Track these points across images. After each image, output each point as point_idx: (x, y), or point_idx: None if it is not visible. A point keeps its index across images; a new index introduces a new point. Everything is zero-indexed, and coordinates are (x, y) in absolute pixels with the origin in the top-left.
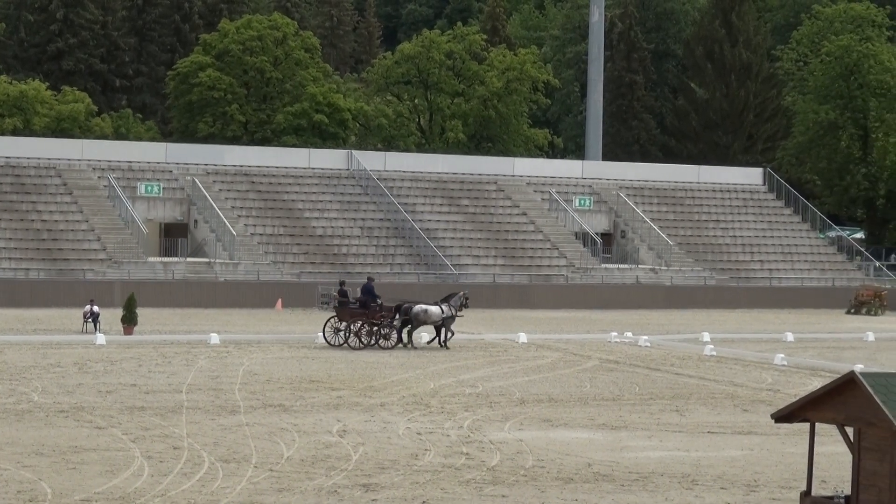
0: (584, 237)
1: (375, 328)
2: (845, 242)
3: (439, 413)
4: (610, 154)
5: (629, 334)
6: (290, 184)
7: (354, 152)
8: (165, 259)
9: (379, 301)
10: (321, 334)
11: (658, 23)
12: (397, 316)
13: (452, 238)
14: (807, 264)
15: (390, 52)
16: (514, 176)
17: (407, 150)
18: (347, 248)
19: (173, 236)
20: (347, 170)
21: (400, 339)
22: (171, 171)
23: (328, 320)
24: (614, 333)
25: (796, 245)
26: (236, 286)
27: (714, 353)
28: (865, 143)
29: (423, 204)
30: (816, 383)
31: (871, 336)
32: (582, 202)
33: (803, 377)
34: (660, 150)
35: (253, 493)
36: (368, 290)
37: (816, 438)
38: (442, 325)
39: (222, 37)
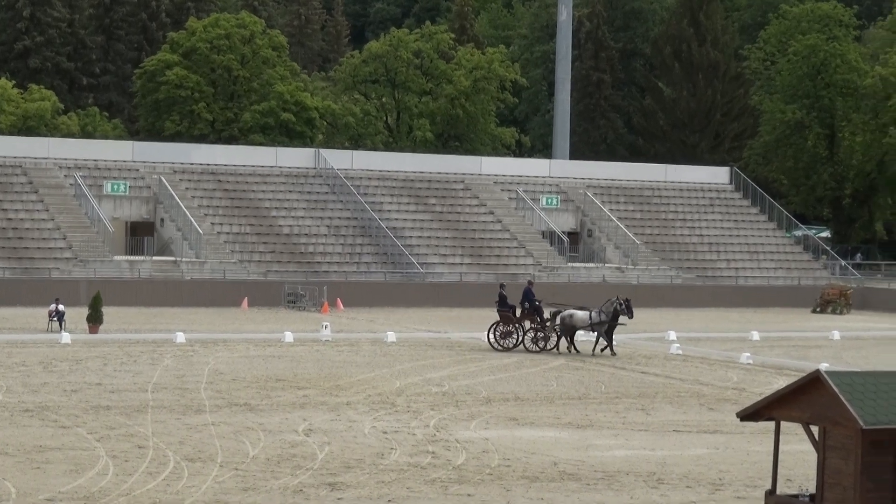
0: (551, 236)
1: (539, 332)
2: (811, 241)
3: (405, 412)
4: (577, 153)
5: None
6: (256, 182)
7: (322, 151)
8: (131, 258)
9: (538, 303)
10: (485, 338)
11: (626, 22)
12: (557, 320)
13: (419, 237)
14: (773, 263)
15: (358, 50)
16: (481, 175)
17: (374, 148)
18: (314, 246)
19: (140, 235)
20: (314, 168)
21: (571, 345)
22: (137, 170)
23: (493, 325)
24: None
25: (763, 244)
26: (202, 285)
27: (680, 352)
28: (832, 143)
29: (391, 203)
30: (782, 382)
31: (836, 335)
32: (549, 201)
33: (769, 376)
34: (627, 149)
35: (218, 493)
36: (528, 294)
37: (782, 437)
38: (592, 330)
39: (190, 35)
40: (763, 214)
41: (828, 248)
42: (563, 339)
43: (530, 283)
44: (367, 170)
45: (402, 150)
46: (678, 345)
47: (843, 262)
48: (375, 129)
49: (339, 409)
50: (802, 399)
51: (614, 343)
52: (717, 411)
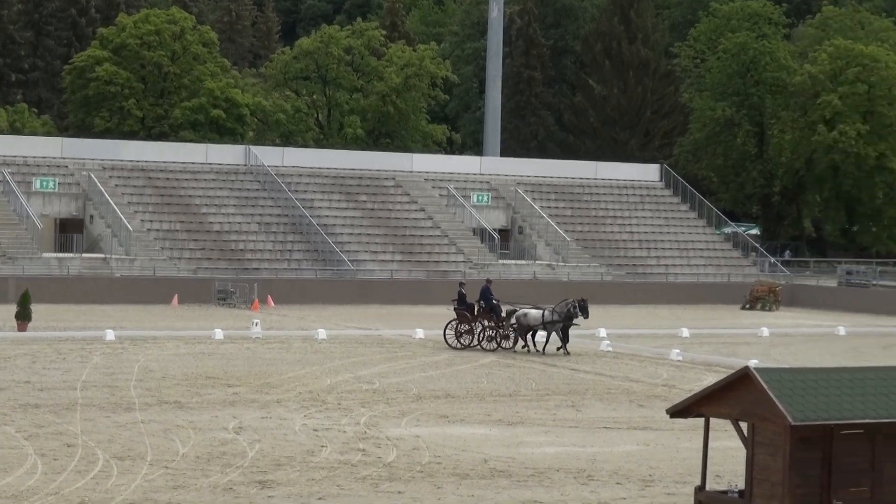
0: (481, 233)
1: (498, 330)
2: (741, 238)
3: (336, 409)
4: (508, 150)
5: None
6: (187, 179)
7: (252, 148)
8: (61, 255)
9: (495, 302)
10: (442, 336)
11: (557, 19)
12: (512, 319)
13: (350, 234)
14: (703, 260)
15: (289, 47)
16: (412, 172)
17: (305, 145)
18: (245, 243)
19: (69, 232)
20: (245, 165)
21: (527, 344)
22: (66, 167)
23: (449, 323)
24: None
25: (692, 241)
26: (132, 282)
27: (610, 349)
28: (761, 140)
29: (321, 200)
30: (711, 378)
31: (765, 331)
32: (480, 198)
33: (698, 372)
34: (558, 146)
35: (148, 491)
36: (486, 293)
37: (711, 433)
38: (545, 329)
39: (119, 31)
40: (693, 212)
41: (757, 246)
42: (521, 337)
43: (488, 281)
44: (298, 167)
45: (333, 147)
46: (608, 342)
47: (772, 259)
48: (306, 126)
49: (270, 406)
50: (732, 396)
51: (568, 343)
52: (647, 408)
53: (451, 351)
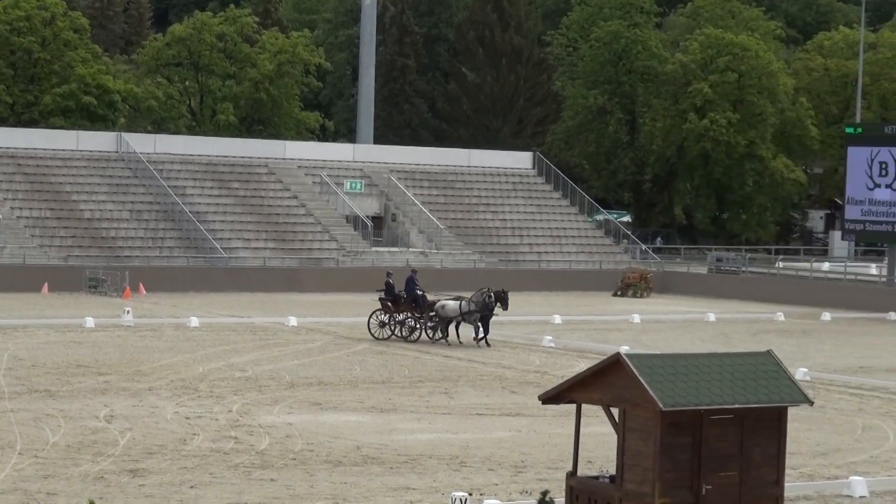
0: (354, 220)
1: (419, 320)
2: (612, 226)
3: (208, 397)
4: (381, 138)
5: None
6: (57, 166)
7: (124, 135)
8: None
9: (420, 293)
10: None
11: (430, 7)
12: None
13: (222, 221)
14: (575, 247)
15: (161, 33)
16: (285, 159)
17: (177, 132)
18: (116, 231)
19: None
20: (116, 152)
21: (445, 335)
22: None
23: (373, 313)
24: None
25: (565, 228)
26: (1, 270)
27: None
28: (633, 128)
29: (193, 187)
30: (583, 365)
31: (637, 318)
32: (353, 185)
33: (570, 359)
34: (431, 133)
35: (17, 480)
36: (410, 283)
37: (583, 419)
38: (463, 320)
39: None
40: (565, 199)
41: (628, 233)
42: (442, 329)
43: (413, 271)
44: (170, 154)
45: (205, 134)
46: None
47: (643, 247)
48: (178, 113)
49: (141, 394)
50: (603, 381)
51: (489, 335)
52: (520, 394)
53: (324, 338)
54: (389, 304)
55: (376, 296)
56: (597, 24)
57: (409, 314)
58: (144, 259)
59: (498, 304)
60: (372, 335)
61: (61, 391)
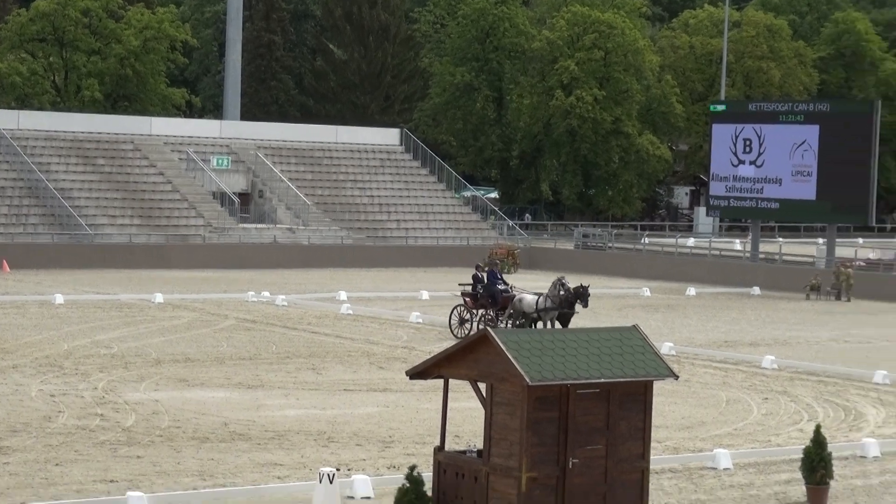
0: (221, 197)
1: (498, 317)
2: (480, 202)
3: (73, 374)
4: (248, 114)
5: (266, 293)
6: None
7: None
8: None
9: (506, 286)
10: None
11: None
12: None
13: (88, 198)
14: (442, 223)
15: (25, 8)
16: (151, 135)
17: (41, 108)
18: None
19: None
20: None
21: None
22: None
23: (454, 308)
24: (251, 293)
25: (432, 205)
26: None
27: (351, 312)
28: (500, 105)
29: (58, 164)
30: (450, 341)
31: None
32: (220, 162)
33: (438, 335)
34: (298, 110)
35: None
36: (492, 276)
37: (450, 394)
38: (538, 318)
39: None
40: (433, 175)
41: (496, 209)
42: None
43: (494, 263)
44: (34, 130)
45: (70, 110)
46: (349, 305)
47: (510, 223)
48: (42, 89)
49: (5, 372)
50: (470, 357)
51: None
52: (387, 370)
53: (191, 314)
54: (470, 299)
55: (459, 290)
56: (464, 1)
57: (487, 310)
58: (8, 236)
59: (578, 301)
60: (452, 334)
61: None
